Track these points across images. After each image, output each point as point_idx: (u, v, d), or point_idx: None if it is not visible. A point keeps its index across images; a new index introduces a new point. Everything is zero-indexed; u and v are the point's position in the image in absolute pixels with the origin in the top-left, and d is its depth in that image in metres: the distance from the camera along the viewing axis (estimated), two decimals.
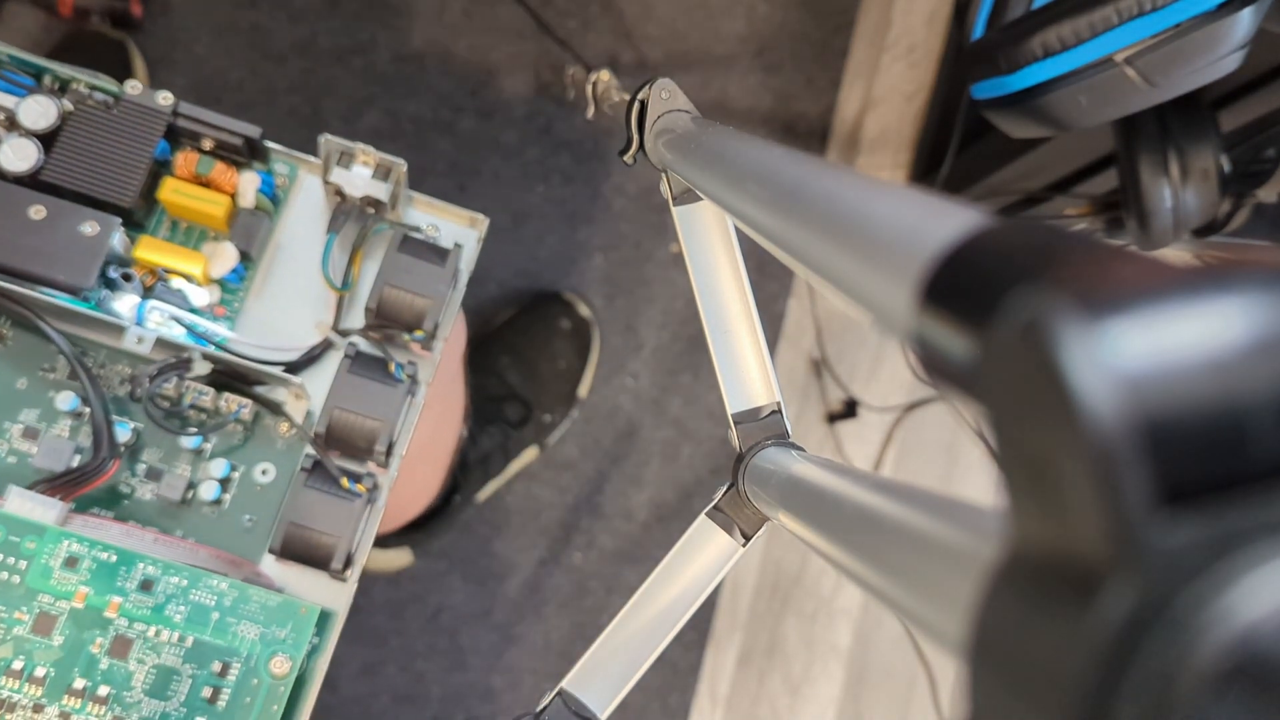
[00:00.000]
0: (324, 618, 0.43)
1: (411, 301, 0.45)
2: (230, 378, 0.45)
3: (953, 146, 0.72)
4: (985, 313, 0.12)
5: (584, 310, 0.95)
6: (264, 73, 0.96)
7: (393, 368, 0.45)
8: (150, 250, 0.45)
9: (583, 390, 0.94)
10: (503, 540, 0.94)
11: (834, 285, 0.19)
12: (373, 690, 0.90)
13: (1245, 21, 0.42)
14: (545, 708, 0.35)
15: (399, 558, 0.90)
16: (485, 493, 0.92)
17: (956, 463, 1.01)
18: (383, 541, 0.89)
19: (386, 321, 0.45)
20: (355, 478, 0.43)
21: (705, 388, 0.97)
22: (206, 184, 0.47)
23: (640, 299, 0.97)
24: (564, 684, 0.35)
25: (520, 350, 0.93)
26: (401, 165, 0.46)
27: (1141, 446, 0.10)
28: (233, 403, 0.45)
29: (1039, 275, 0.12)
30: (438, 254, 0.46)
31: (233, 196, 0.47)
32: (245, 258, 0.47)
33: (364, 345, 0.46)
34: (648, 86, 0.38)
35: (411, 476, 0.71)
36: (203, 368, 0.44)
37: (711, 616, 0.94)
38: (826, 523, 0.24)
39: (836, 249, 0.19)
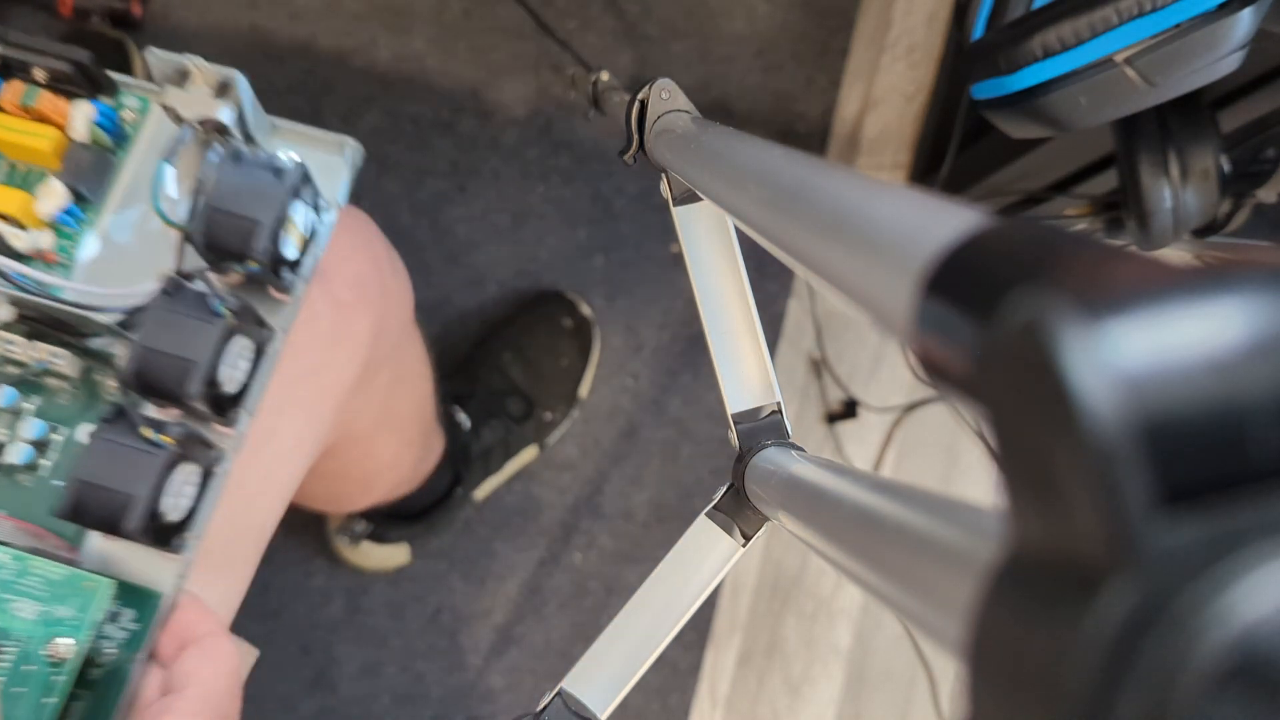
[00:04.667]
0: (145, 599, 0.37)
1: (238, 226, 0.39)
2: (49, 327, 0.40)
3: (953, 146, 0.72)
4: (984, 313, 0.12)
5: (585, 309, 0.95)
6: (264, 73, 0.96)
7: (215, 303, 0.39)
8: None
9: (583, 390, 0.94)
10: (503, 540, 0.94)
11: (834, 285, 0.19)
12: (373, 690, 0.90)
13: (1245, 21, 0.42)
14: (545, 708, 0.35)
15: (396, 554, 0.90)
16: (484, 491, 0.92)
17: (956, 463, 1.01)
18: (380, 537, 0.89)
19: (217, 253, 0.39)
20: (158, 426, 0.38)
21: (705, 388, 0.97)
22: (39, 118, 0.41)
23: (640, 299, 0.97)
24: (564, 684, 0.35)
25: (523, 347, 0.93)
26: (235, 77, 0.40)
27: (1141, 447, 0.10)
28: (43, 352, 0.40)
29: (1038, 275, 0.12)
30: (273, 172, 0.40)
31: (64, 130, 0.41)
32: (80, 198, 0.42)
33: (201, 286, 0.39)
34: (648, 87, 0.38)
35: (371, 446, 0.70)
36: (6, 313, 0.39)
37: (711, 616, 0.94)
38: (826, 523, 0.24)
39: (836, 249, 0.19)
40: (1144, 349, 0.10)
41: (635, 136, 0.38)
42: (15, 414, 0.40)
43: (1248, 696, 0.09)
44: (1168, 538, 0.09)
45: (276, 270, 0.40)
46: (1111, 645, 0.09)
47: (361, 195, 0.96)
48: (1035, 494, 0.11)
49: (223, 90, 0.40)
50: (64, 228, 0.42)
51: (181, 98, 0.40)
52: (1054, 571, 0.10)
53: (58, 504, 0.37)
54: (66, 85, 0.42)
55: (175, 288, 0.38)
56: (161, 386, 0.38)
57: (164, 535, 0.38)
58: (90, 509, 0.37)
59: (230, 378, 0.39)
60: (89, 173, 0.42)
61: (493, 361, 0.92)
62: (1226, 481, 0.10)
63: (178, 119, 0.41)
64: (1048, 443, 0.10)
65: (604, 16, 1.00)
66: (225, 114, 0.40)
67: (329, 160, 0.44)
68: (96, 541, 0.39)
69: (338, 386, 0.51)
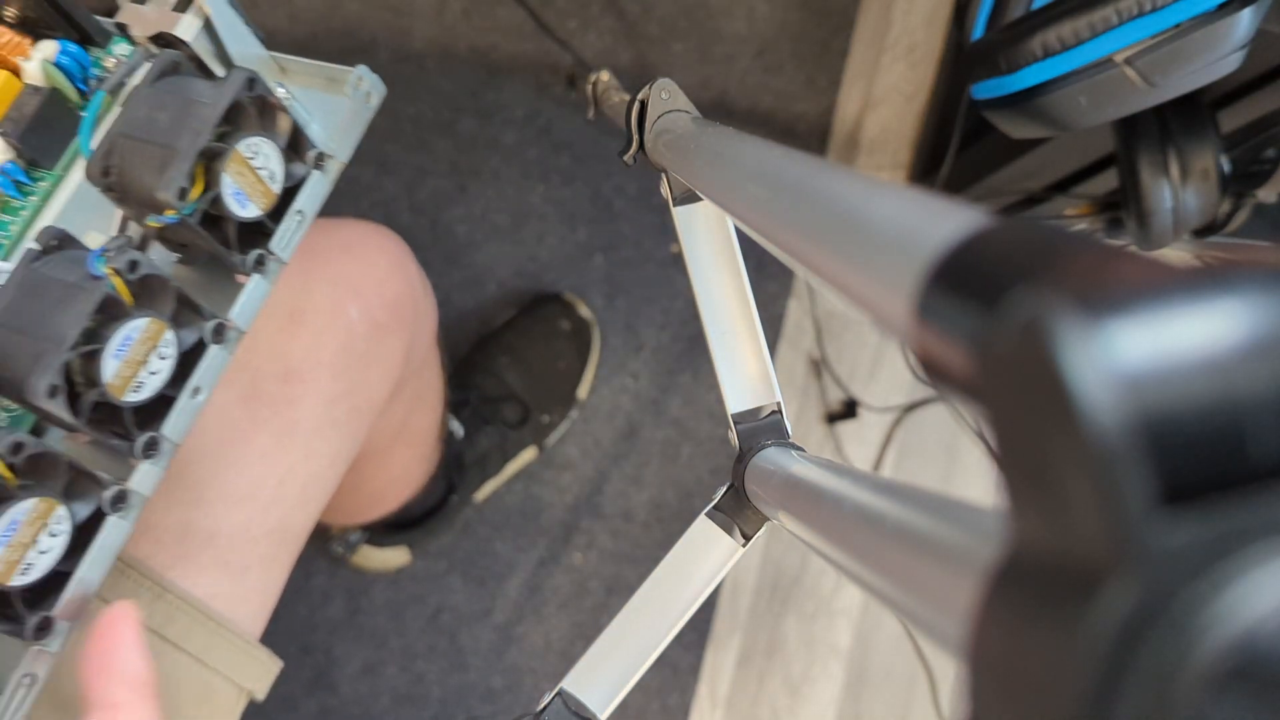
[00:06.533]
0: None
1: (148, 157, 0.28)
2: None
3: (953, 146, 0.72)
4: (985, 313, 0.12)
5: (584, 311, 0.95)
6: None
7: (95, 262, 0.28)
8: None
9: (582, 391, 0.94)
10: (503, 540, 0.94)
11: (834, 285, 0.19)
12: (373, 690, 0.90)
13: (1245, 21, 0.42)
14: (545, 708, 0.35)
15: (396, 557, 0.90)
16: (483, 493, 0.92)
17: (956, 463, 1.01)
18: (380, 540, 0.89)
19: (129, 199, 0.29)
20: None
21: (705, 388, 0.97)
22: None
23: (640, 299, 0.97)
24: (564, 684, 0.35)
25: (519, 351, 0.93)
26: None
27: (1141, 447, 0.10)
28: None
29: (1038, 275, 0.12)
30: (215, 93, 0.29)
31: (19, 75, 0.33)
32: (33, 163, 0.33)
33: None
34: (648, 87, 0.38)
35: (386, 462, 0.70)
36: None
37: (711, 616, 0.94)
38: (826, 523, 0.24)
39: (836, 249, 0.19)
40: (1144, 349, 0.10)
41: (635, 136, 0.38)
42: None
43: (1248, 696, 0.09)
44: (1168, 538, 0.09)
45: (223, 235, 0.30)
46: (1111, 645, 0.09)
47: (361, 195, 0.96)
48: (1035, 494, 0.11)
49: (184, 2, 0.31)
50: (9, 199, 0.33)
51: (135, 12, 0.31)
52: (1054, 571, 0.10)
53: None
54: (42, 29, 0.33)
55: (54, 246, 0.28)
56: (7, 378, 0.27)
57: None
58: None
59: (123, 375, 0.28)
60: (41, 127, 0.32)
61: (489, 366, 0.92)
62: (1226, 481, 0.10)
63: (134, 42, 0.32)
64: (1048, 443, 0.10)
65: (604, 16, 1.00)
66: (185, 29, 0.30)
67: (339, 104, 0.34)
68: None
69: (370, 406, 0.52)
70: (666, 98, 0.37)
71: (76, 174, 0.34)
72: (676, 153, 0.35)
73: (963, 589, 0.13)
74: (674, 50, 1.01)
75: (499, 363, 0.92)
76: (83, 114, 0.33)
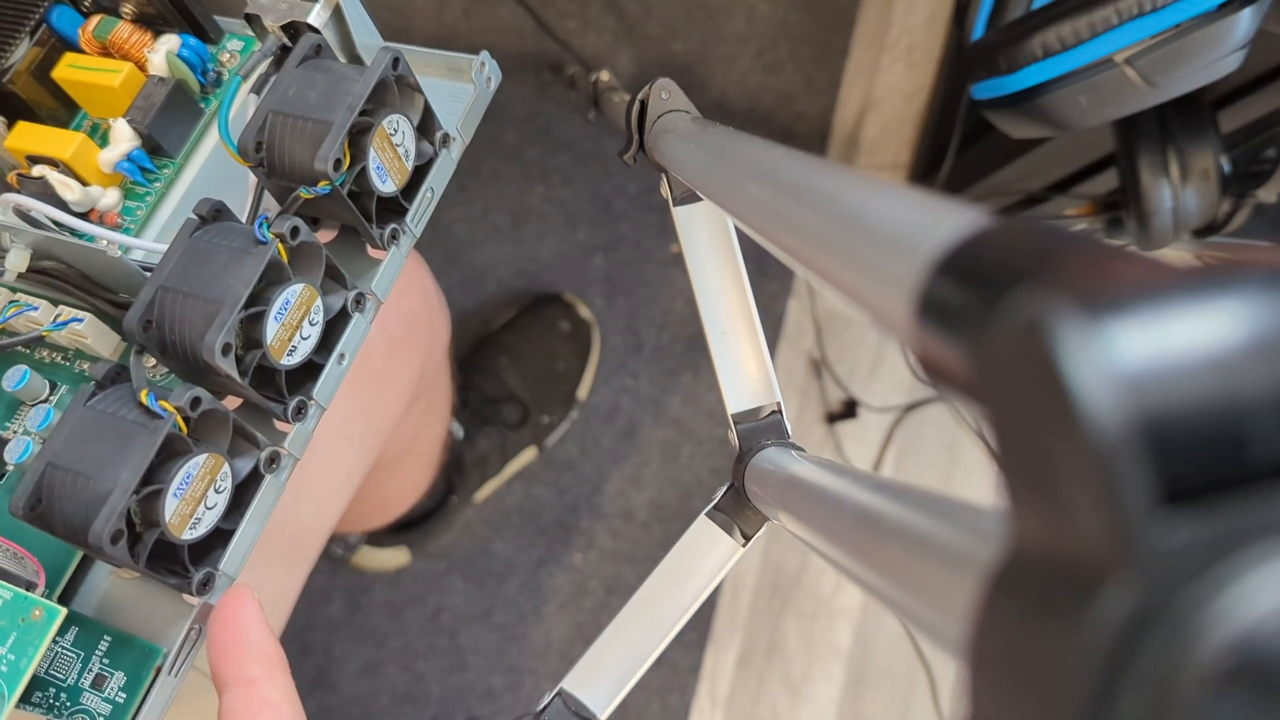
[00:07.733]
0: (142, 659, 0.28)
1: (302, 132, 0.29)
2: (78, 287, 0.31)
3: (953, 146, 0.72)
4: (985, 313, 0.12)
5: (584, 312, 0.95)
6: None
7: (261, 229, 0.30)
8: (21, 137, 0.33)
9: (582, 392, 0.94)
10: (503, 540, 0.94)
11: (834, 285, 0.19)
12: (373, 690, 0.90)
13: (1245, 21, 0.42)
14: (545, 708, 0.35)
15: (396, 557, 0.90)
16: (484, 493, 0.92)
17: (956, 463, 1.01)
18: (379, 541, 0.89)
19: (277, 171, 0.30)
20: (163, 393, 0.27)
21: (705, 388, 0.97)
22: (116, 53, 0.35)
23: (640, 299, 0.97)
24: (564, 684, 0.35)
25: (518, 352, 0.93)
26: None
27: (1141, 447, 0.10)
28: (65, 314, 0.31)
29: (1039, 275, 0.12)
30: (358, 75, 0.31)
31: (143, 67, 0.35)
32: (157, 151, 0.34)
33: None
34: (648, 87, 0.38)
35: (397, 471, 0.70)
36: (18, 259, 0.30)
37: (711, 616, 0.94)
38: (826, 523, 0.24)
39: (836, 249, 0.19)
40: (1144, 349, 0.10)
41: (635, 136, 0.38)
42: (18, 403, 0.32)
43: (1248, 696, 0.09)
44: (1168, 538, 0.09)
45: (365, 208, 0.31)
46: (1112, 645, 0.09)
47: None
48: (1035, 494, 0.11)
49: None
50: (135, 185, 0.35)
51: (266, 1, 0.32)
52: (1054, 571, 0.10)
53: (15, 498, 0.26)
54: (159, 24, 0.35)
55: (213, 215, 0.30)
56: (175, 340, 0.28)
57: (167, 559, 0.28)
58: (55, 506, 0.26)
59: (281, 339, 0.29)
60: (167, 116, 0.34)
61: (489, 367, 0.92)
62: (1226, 482, 0.10)
63: (264, 32, 0.33)
64: (1048, 443, 0.10)
65: (604, 16, 1.00)
66: (316, 16, 0.32)
67: (459, 90, 0.35)
68: (101, 574, 0.30)
69: (386, 421, 0.51)
70: (666, 98, 0.37)
71: (198, 161, 0.36)
72: (676, 153, 0.35)
73: (962, 589, 0.13)
74: (674, 50, 1.01)
75: (499, 363, 0.92)
76: (203, 105, 0.36)
